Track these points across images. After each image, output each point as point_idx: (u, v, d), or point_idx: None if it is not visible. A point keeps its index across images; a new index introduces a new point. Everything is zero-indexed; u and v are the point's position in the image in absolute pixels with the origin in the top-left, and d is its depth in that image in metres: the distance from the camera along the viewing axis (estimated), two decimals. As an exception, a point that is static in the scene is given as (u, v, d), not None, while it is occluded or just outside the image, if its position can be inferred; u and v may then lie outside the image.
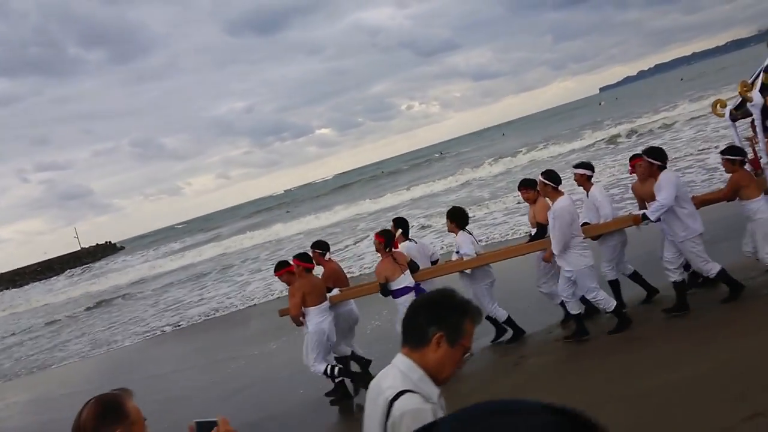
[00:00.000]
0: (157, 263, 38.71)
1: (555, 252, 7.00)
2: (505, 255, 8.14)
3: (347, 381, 7.81)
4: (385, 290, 7.53)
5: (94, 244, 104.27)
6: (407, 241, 8.39)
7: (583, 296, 7.32)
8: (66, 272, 74.64)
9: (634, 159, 7.84)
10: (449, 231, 8.33)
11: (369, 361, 8.08)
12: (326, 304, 7.76)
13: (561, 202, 6.92)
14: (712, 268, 6.84)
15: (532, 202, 7.91)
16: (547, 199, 7.40)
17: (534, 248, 7.81)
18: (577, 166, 7.87)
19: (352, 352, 8.24)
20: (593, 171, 7.70)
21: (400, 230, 8.42)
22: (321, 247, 8.28)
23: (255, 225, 48.13)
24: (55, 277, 72.23)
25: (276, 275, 8.01)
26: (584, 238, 7.09)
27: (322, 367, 7.59)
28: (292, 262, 7.82)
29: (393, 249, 7.70)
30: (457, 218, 8.00)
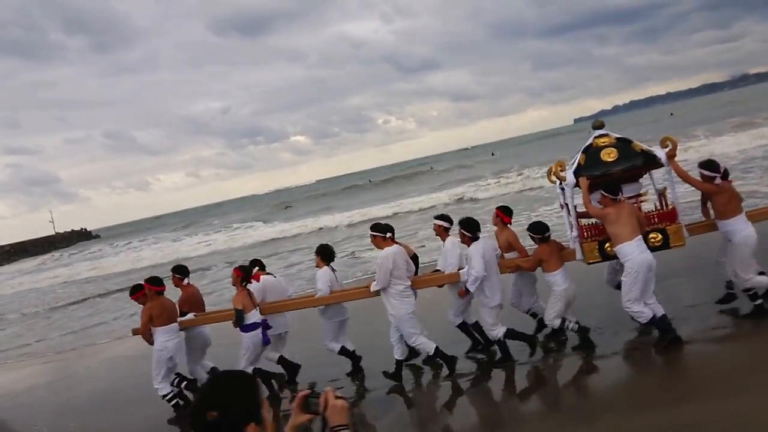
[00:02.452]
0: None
1: (372, 289, 7.71)
2: (357, 295, 8.22)
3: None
4: (241, 318, 7.81)
5: (69, 230, 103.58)
6: (267, 275, 8.71)
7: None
8: (50, 254, 74.09)
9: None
10: (316, 266, 8.47)
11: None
12: (174, 326, 8.17)
13: (386, 251, 7.58)
14: (498, 333, 7.58)
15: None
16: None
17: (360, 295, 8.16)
18: (436, 217, 8.28)
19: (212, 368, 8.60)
20: (451, 223, 8.04)
21: (256, 268, 8.69)
22: (180, 272, 8.75)
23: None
24: (32, 258, 71.69)
25: (132, 298, 8.47)
26: (407, 287, 7.59)
27: (166, 390, 8.14)
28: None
29: (249, 284, 8.13)
30: (322, 254, 8.33)
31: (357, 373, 8.29)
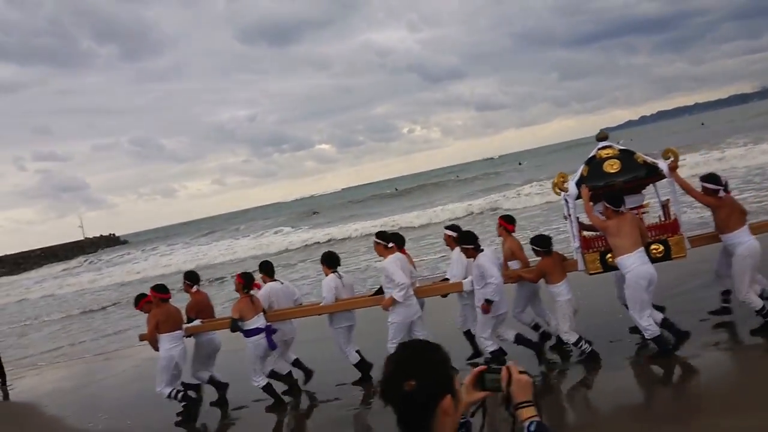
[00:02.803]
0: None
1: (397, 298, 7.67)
2: (361, 304, 8.35)
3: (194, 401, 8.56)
4: (235, 326, 7.96)
5: (98, 235, 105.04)
6: (273, 282, 8.71)
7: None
8: (79, 258, 75.09)
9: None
10: (324, 273, 8.58)
11: (226, 384, 8.73)
12: (179, 333, 8.31)
13: (390, 258, 7.76)
14: (489, 347, 7.60)
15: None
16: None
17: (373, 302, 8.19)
18: (446, 227, 8.53)
19: (210, 377, 8.80)
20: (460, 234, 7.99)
21: (261, 273, 8.78)
22: (190, 278, 8.96)
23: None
24: (63, 263, 72.70)
25: (137, 308, 8.72)
26: (410, 295, 7.71)
27: (167, 391, 8.19)
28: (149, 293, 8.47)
29: (251, 291, 8.26)
30: (327, 261, 8.45)
31: (365, 381, 8.26)
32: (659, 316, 7.12)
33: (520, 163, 79.28)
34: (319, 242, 31.28)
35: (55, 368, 13.93)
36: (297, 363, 8.71)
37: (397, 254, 7.88)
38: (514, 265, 8.05)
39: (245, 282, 8.18)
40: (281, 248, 31.98)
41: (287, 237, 37.78)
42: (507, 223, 8.23)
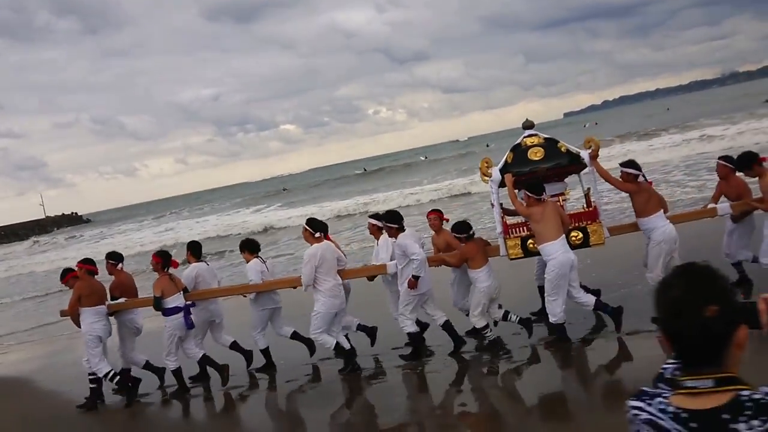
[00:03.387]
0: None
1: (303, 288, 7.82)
2: (284, 284, 8.57)
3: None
4: (158, 304, 7.94)
5: (59, 214, 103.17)
6: (199, 262, 8.76)
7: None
8: (42, 236, 73.81)
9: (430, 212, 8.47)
10: (245, 260, 8.72)
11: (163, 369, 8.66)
12: (102, 308, 8.21)
13: (312, 248, 7.73)
14: (410, 328, 7.80)
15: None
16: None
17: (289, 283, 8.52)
18: (370, 216, 8.64)
19: (146, 362, 8.75)
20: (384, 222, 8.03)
21: (189, 252, 8.88)
22: (113, 258, 8.80)
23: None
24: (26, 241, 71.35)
25: (62, 282, 8.61)
26: (336, 284, 7.72)
27: (105, 369, 8.09)
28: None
29: (171, 269, 8.28)
30: (248, 248, 8.60)
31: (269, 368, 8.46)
32: (591, 299, 7.33)
33: (488, 145, 79.84)
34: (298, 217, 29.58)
35: (41, 344, 13.81)
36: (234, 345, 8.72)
37: (324, 243, 7.86)
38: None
39: (163, 260, 8.20)
40: (255, 227, 31.12)
41: (262, 215, 37.25)
42: (442, 215, 8.40)
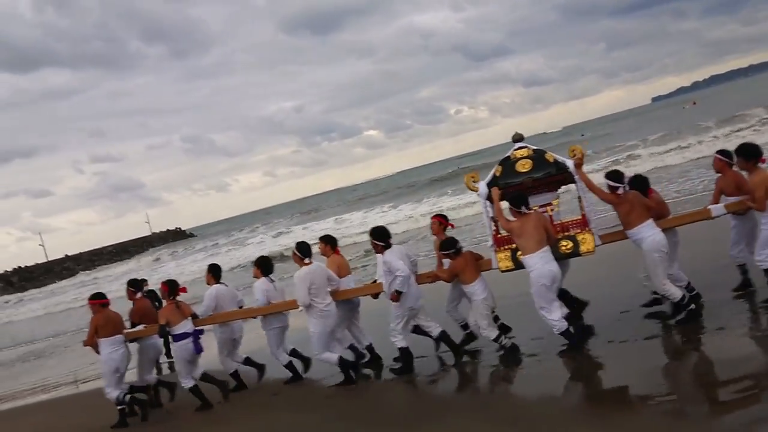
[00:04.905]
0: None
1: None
2: (285, 307, 8.77)
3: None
4: (163, 331, 8.39)
5: (164, 230, 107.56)
6: (218, 284, 9.08)
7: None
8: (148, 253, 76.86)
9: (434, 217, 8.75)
10: (254, 276, 9.06)
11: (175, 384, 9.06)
12: (119, 337, 8.64)
13: (302, 271, 8.00)
14: (401, 343, 7.94)
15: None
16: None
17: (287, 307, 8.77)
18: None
19: (158, 380, 9.27)
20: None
21: (210, 274, 9.18)
22: (134, 285, 9.32)
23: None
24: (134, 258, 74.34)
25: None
26: (327, 304, 7.99)
27: (114, 394, 8.56)
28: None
29: (177, 297, 8.62)
30: (262, 266, 8.94)
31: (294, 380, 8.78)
32: (563, 324, 7.26)
33: (582, 135, 78.27)
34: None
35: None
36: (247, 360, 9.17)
37: (315, 265, 8.09)
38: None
39: (170, 289, 8.60)
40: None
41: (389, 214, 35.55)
42: (446, 220, 8.60)
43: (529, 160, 7.62)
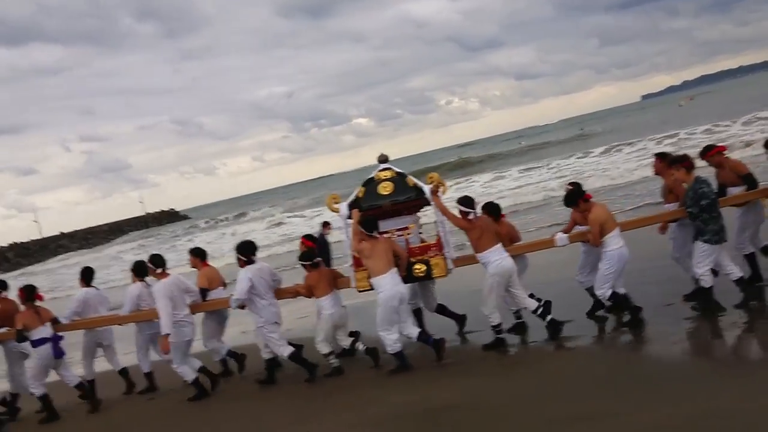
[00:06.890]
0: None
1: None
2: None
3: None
4: (21, 337, 8.21)
5: (158, 210, 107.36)
6: (89, 288, 8.96)
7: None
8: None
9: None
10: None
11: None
12: None
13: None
14: (285, 352, 7.97)
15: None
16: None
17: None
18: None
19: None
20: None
21: (80, 278, 9.05)
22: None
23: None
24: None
25: None
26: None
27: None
28: None
29: (37, 302, 8.41)
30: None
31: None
32: (416, 331, 7.64)
33: (581, 129, 77.50)
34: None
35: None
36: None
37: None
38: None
39: (27, 294, 8.41)
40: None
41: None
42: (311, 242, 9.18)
43: (390, 183, 7.84)
